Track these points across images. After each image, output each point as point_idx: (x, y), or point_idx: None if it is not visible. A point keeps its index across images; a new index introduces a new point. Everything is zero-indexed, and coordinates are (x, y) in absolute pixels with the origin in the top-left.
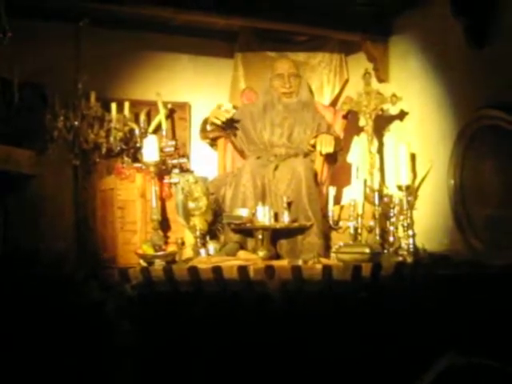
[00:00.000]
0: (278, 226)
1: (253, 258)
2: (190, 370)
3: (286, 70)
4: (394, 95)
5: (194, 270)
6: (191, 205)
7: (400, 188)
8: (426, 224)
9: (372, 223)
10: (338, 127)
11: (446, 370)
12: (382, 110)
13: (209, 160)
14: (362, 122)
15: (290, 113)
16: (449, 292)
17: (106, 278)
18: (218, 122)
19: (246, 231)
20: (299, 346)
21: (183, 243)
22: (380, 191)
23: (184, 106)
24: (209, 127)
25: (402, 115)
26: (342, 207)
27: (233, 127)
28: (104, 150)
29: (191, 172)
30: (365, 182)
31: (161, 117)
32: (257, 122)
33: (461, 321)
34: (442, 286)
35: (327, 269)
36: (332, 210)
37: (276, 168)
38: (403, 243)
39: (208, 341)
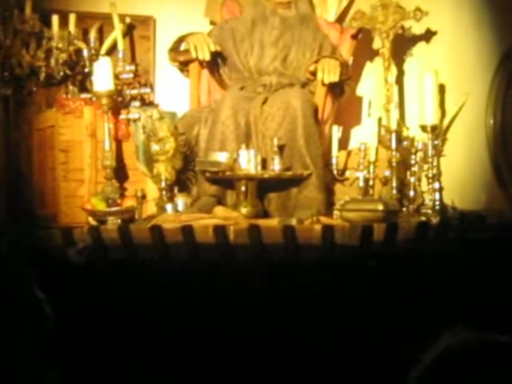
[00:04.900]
0: (266, 175)
1: (233, 216)
2: (151, 361)
3: None
4: (418, 9)
5: (157, 231)
6: (155, 147)
7: (424, 129)
8: (456, 175)
9: (387, 173)
10: (346, 50)
11: (449, 348)
12: (402, 28)
13: (178, 91)
14: (376, 44)
15: (288, 29)
16: (483, 262)
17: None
18: (194, 55)
19: (224, 181)
20: (291, 332)
21: (144, 196)
22: (398, 132)
23: (147, 21)
24: (183, 46)
25: (428, 35)
26: (349, 153)
27: (215, 60)
28: (43, 77)
29: (155, 106)
30: (379, 120)
31: (116, 34)
32: (240, 43)
33: (496, 295)
34: (474, 253)
35: (328, 230)
36: (336, 156)
37: (265, 101)
38: (427, 199)
39: (173, 323)
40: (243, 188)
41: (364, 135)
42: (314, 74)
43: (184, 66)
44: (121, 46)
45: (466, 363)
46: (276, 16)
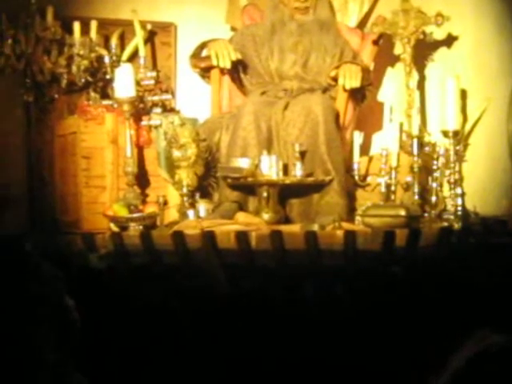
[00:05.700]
0: (287, 181)
1: (255, 222)
2: (172, 367)
3: None
4: (439, 14)
5: (179, 237)
6: (176, 154)
7: (446, 134)
8: (478, 181)
9: (409, 179)
10: (367, 55)
11: (480, 352)
12: (423, 33)
13: (199, 97)
14: (397, 49)
15: (305, 34)
16: (505, 267)
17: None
18: (215, 63)
19: (246, 187)
20: (312, 338)
21: (166, 203)
22: (420, 138)
23: (168, 28)
24: (205, 53)
25: (449, 40)
26: (370, 158)
27: (236, 66)
28: (64, 83)
29: (177, 112)
30: (400, 126)
31: (138, 41)
32: (261, 47)
33: None
34: (497, 258)
35: (351, 236)
36: (358, 161)
37: (286, 107)
38: (449, 205)
39: (194, 329)
40: (265, 194)
41: (385, 141)
42: (335, 79)
43: (205, 72)
44: (142, 52)
45: (496, 367)
46: (293, 21)
